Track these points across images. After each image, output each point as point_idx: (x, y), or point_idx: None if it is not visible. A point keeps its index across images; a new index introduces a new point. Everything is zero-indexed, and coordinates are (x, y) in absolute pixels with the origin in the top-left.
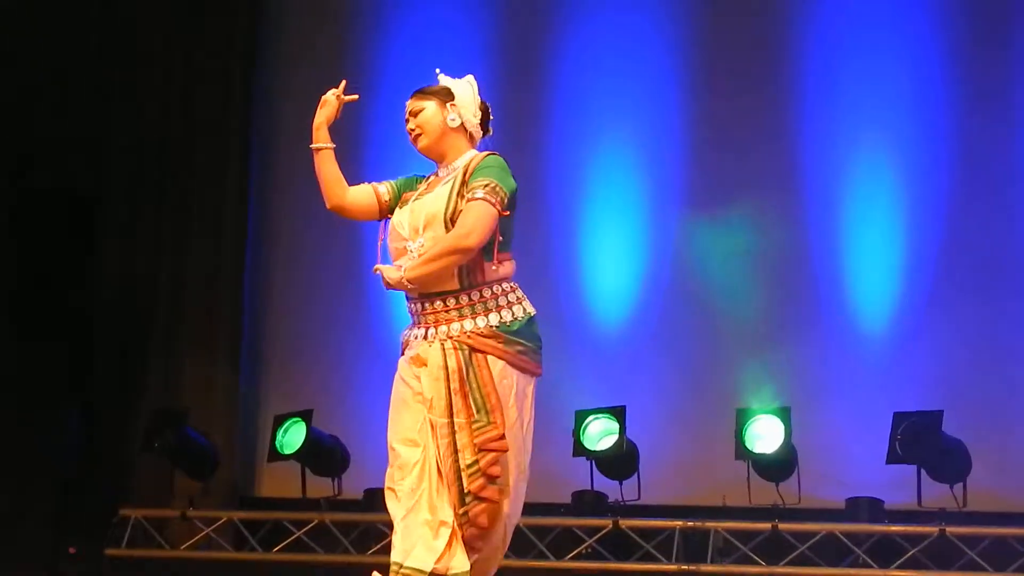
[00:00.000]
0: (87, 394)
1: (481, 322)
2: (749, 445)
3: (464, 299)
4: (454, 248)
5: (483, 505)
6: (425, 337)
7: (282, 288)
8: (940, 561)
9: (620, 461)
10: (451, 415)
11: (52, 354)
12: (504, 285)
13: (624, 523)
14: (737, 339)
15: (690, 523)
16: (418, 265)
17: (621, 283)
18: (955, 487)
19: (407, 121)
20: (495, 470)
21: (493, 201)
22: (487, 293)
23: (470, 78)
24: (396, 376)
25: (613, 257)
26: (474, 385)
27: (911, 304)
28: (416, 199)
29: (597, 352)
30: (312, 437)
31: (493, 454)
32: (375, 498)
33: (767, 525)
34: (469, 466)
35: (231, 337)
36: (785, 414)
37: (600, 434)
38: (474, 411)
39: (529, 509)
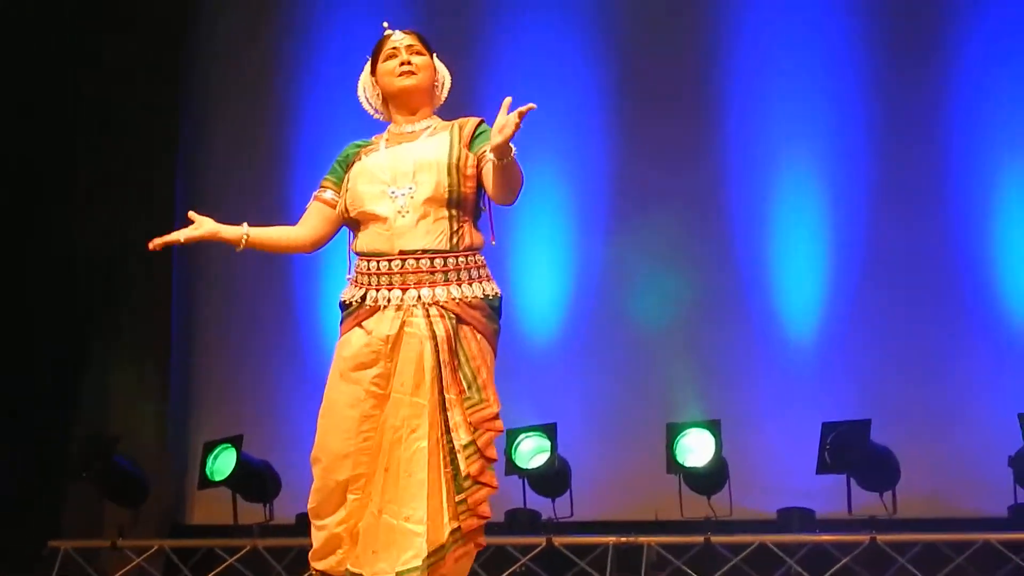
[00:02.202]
0: (14, 424)
1: (468, 291)
2: (680, 459)
3: (452, 262)
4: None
5: (484, 491)
6: (400, 303)
7: (211, 314)
8: (872, 568)
9: (552, 478)
10: (441, 391)
11: None
12: (480, 257)
13: (558, 540)
14: (666, 354)
15: (623, 538)
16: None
17: (549, 300)
18: (885, 495)
19: (395, 53)
20: (492, 452)
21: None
22: (473, 260)
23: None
24: (333, 369)
25: (540, 274)
26: (463, 358)
27: (837, 315)
28: (391, 147)
29: (527, 370)
30: (243, 463)
31: (490, 434)
32: (307, 523)
33: (699, 538)
34: (466, 447)
35: (160, 364)
36: (715, 427)
37: (532, 452)
38: (464, 386)
39: None
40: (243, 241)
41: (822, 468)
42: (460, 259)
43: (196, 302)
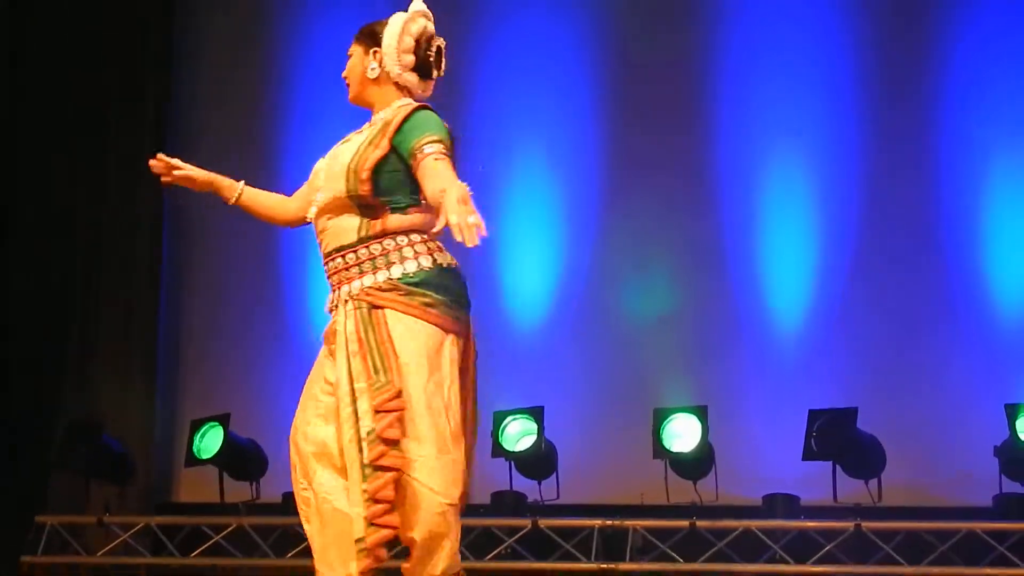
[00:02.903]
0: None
1: (381, 276)
2: (667, 444)
3: (363, 253)
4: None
5: (386, 476)
6: (334, 303)
7: (198, 290)
8: (856, 556)
9: (538, 461)
10: (351, 382)
11: None
12: (412, 236)
13: (543, 523)
14: (654, 339)
15: (609, 522)
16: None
17: (538, 283)
18: (870, 483)
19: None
20: (391, 433)
21: (449, 158)
22: (389, 245)
23: (401, 14)
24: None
25: (530, 257)
26: (372, 344)
27: (825, 303)
28: (336, 148)
29: (515, 352)
30: (229, 441)
31: (391, 415)
32: (291, 501)
33: (685, 523)
34: (368, 433)
35: (147, 340)
36: (702, 413)
37: (518, 435)
38: (372, 372)
39: None
40: (236, 196)
41: (808, 455)
42: (373, 247)
43: (184, 281)
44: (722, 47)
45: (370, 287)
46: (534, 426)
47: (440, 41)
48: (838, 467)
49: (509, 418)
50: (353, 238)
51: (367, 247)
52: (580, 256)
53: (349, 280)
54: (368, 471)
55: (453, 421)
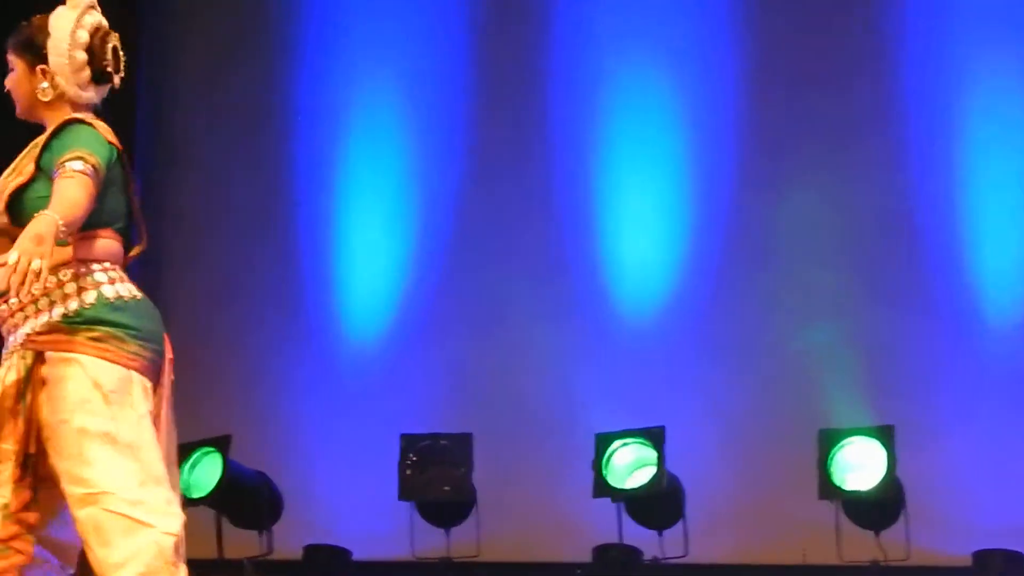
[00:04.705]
0: None
1: (42, 319)
2: (838, 479)
3: (15, 300)
4: (83, 196)
5: (11, 560)
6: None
7: (190, 287)
8: None
9: (659, 503)
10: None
11: None
12: (82, 268)
13: None
14: (819, 335)
15: None
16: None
17: (655, 271)
18: None
19: None
20: (24, 516)
21: (94, 179)
22: (51, 283)
23: (64, 12)
24: None
25: (644, 242)
26: (26, 404)
27: None
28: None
29: (625, 358)
30: (230, 473)
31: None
32: (319, 558)
33: None
34: (4, 507)
35: None
36: (887, 435)
37: (631, 465)
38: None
39: (537, 570)
40: None
41: None
42: (35, 288)
43: (173, 276)
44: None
45: (31, 333)
46: (652, 453)
47: (114, 38)
48: None
49: (617, 443)
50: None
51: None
52: (711, 233)
53: (15, 328)
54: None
55: (146, 479)
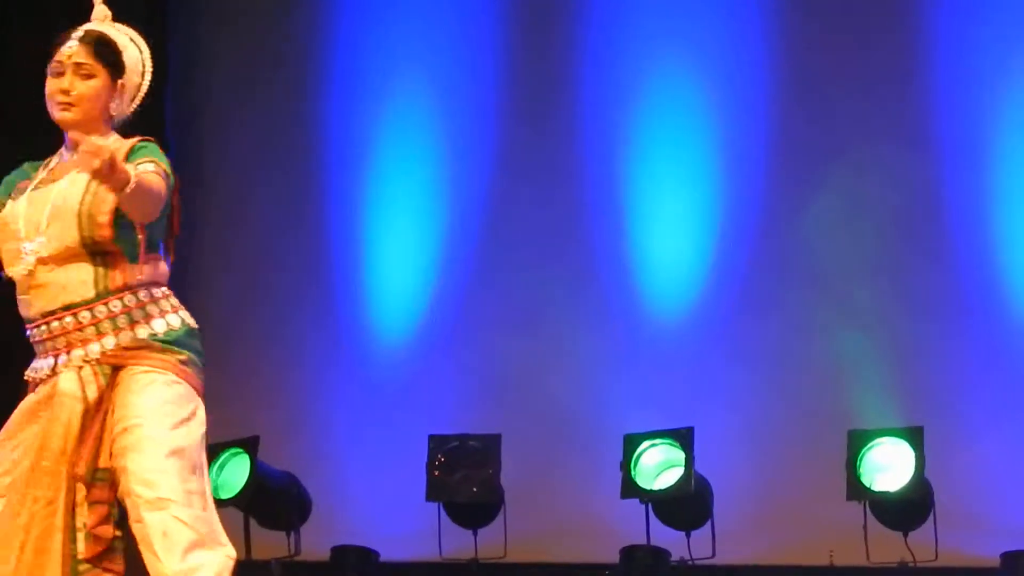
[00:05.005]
0: None
1: (126, 337)
2: (867, 480)
3: (102, 311)
4: (162, 189)
5: None
6: (54, 370)
7: (217, 281)
8: None
9: (687, 504)
10: (74, 463)
11: None
12: (156, 291)
13: None
14: (849, 336)
15: None
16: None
17: (683, 265)
18: None
19: (61, 69)
20: (105, 531)
21: (167, 183)
22: (131, 301)
23: (139, 46)
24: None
25: (671, 231)
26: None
27: None
28: (36, 187)
29: (652, 356)
30: (258, 474)
31: (102, 508)
32: (347, 559)
33: None
34: (83, 525)
35: None
36: (916, 436)
37: (659, 466)
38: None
39: (564, 571)
40: None
41: None
42: (114, 304)
43: (208, 281)
44: None
45: (113, 350)
46: (680, 455)
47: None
48: None
49: (646, 443)
50: (89, 293)
51: (106, 304)
52: (742, 230)
53: (84, 342)
54: (84, 567)
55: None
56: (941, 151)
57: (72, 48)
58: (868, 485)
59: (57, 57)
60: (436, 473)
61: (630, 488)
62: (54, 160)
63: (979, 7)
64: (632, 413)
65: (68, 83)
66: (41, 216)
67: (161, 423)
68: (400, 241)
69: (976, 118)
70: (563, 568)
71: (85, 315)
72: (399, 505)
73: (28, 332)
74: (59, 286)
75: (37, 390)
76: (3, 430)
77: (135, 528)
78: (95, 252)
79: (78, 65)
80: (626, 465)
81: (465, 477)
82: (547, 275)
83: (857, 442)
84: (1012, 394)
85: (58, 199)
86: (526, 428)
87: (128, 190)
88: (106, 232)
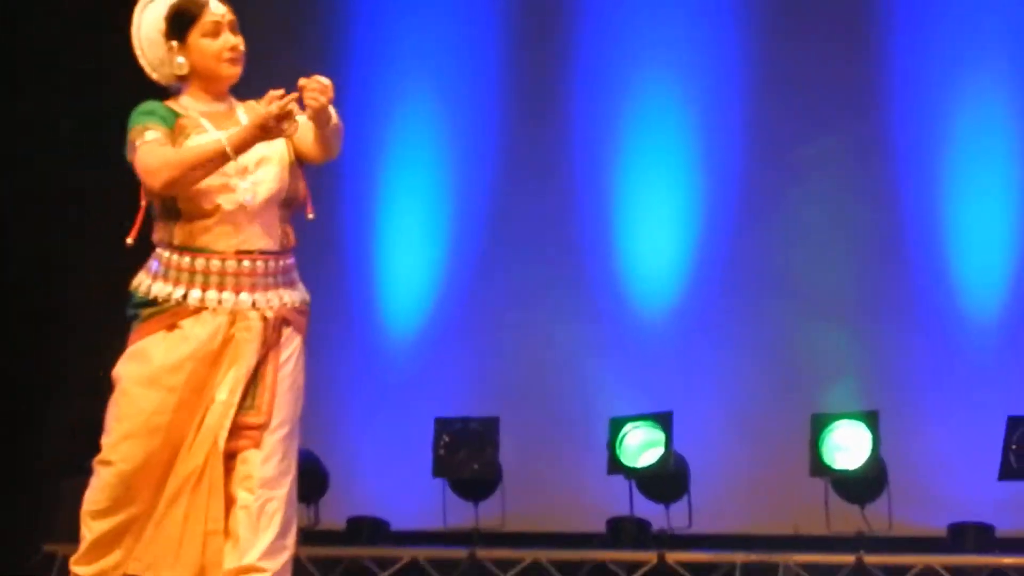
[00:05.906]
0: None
1: (295, 295)
2: (828, 459)
3: (280, 263)
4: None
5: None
6: (234, 306)
7: None
8: None
9: (666, 480)
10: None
11: None
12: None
13: (672, 557)
14: (814, 328)
15: (754, 556)
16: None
17: (666, 262)
18: None
19: (219, 29)
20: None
21: None
22: (294, 263)
23: None
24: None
25: (656, 231)
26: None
27: None
28: (221, 129)
29: (637, 346)
30: None
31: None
32: (361, 528)
33: (850, 558)
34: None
35: None
36: (872, 420)
37: (641, 447)
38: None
39: (556, 540)
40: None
41: (1007, 473)
42: (286, 260)
43: None
44: None
45: (290, 304)
46: (661, 436)
47: None
48: None
49: (629, 425)
50: (276, 245)
51: (283, 259)
52: (720, 225)
53: (266, 288)
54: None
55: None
56: (895, 157)
57: (222, 9)
58: (829, 463)
59: (209, 15)
60: (441, 452)
61: (615, 465)
62: (186, 107)
63: (933, 13)
64: (617, 398)
65: (235, 41)
66: (249, 158)
67: (300, 399)
68: (409, 242)
69: (929, 123)
70: (555, 536)
71: (272, 263)
72: (408, 480)
73: (195, 260)
74: (259, 230)
75: (183, 322)
76: (151, 365)
77: (240, 512)
78: (286, 205)
79: (232, 23)
80: (611, 445)
81: (468, 456)
82: (542, 272)
83: (819, 424)
84: (959, 382)
85: (263, 147)
86: (523, 412)
87: (333, 123)
88: (303, 184)
